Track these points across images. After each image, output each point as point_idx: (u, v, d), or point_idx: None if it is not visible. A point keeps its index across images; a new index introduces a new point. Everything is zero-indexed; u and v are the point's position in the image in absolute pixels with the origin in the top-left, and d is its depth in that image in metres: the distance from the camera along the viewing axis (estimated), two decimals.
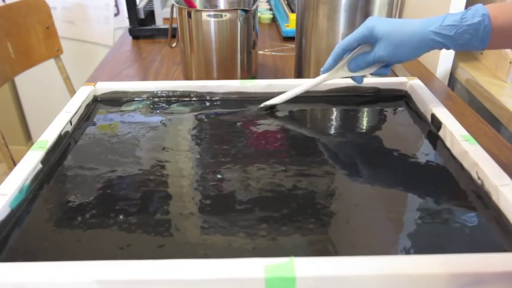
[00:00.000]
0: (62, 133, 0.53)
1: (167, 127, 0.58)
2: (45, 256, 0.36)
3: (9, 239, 0.38)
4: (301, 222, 0.40)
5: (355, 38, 0.53)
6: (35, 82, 1.62)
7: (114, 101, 0.65)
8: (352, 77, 0.58)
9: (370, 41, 0.52)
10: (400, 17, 1.06)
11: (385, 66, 0.55)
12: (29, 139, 1.78)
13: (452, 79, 0.89)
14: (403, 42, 0.49)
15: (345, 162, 0.50)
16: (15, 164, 0.94)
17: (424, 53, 0.49)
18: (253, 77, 0.81)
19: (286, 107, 0.62)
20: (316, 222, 0.40)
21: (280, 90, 0.65)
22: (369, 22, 0.52)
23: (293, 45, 0.99)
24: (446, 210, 0.41)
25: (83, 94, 0.62)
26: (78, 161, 0.50)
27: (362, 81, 0.59)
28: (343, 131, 0.57)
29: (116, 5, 1.50)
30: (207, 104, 0.64)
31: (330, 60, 0.57)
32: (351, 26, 0.68)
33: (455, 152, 0.49)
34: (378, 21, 0.51)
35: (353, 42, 0.54)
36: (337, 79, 0.59)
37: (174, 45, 0.88)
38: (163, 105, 0.63)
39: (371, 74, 0.56)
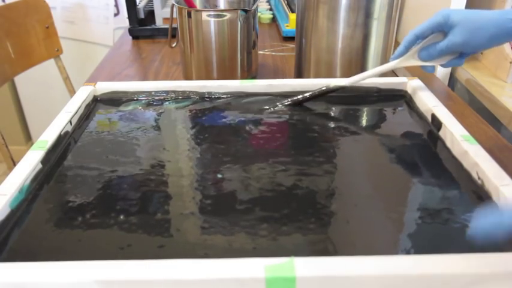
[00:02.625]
0: (62, 133, 0.53)
1: (167, 127, 0.58)
2: (45, 256, 0.36)
3: (9, 239, 0.38)
4: (301, 222, 0.40)
5: (429, 26, 0.52)
6: (35, 82, 1.61)
7: (114, 101, 0.65)
8: (422, 66, 0.57)
9: (444, 28, 0.51)
10: (400, 17, 1.06)
11: (459, 57, 0.54)
12: (29, 139, 1.78)
13: (452, 79, 0.89)
14: (479, 28, 0.48)
15: (345, 162, 0.50)
16: (15, 164, 0.94)
17: (499, 43, 0.48)
18: (253, 77, 0.81)
19: (285, 107, 0.62)
20: (316, 222, 0.40)
21: (280, 90, 0.65)
22: (444, 11, 0.51)
23: (293, 45, 0.99)
24: (446, 210, 0.41)
25: (83, 94, 0.62)
26: (78, 161, 0.50)
27: (433, 70, 0.58)
28: (343, 130, 0.57)
29: (116, 5, 1.50)
30: (207, 103, 0.64)
31: (401, 47, 0.56)
32: (351, 26, 0.68)
33: (455, 152, 0.49)
34: (452, 10, 0.50)
35: (427, 29, 0.53)
36: (339, 78, 0.59)
37: (174, 45, 0.88)
38: (163, 105, 0.63)
39: (442, 65, 0.55)
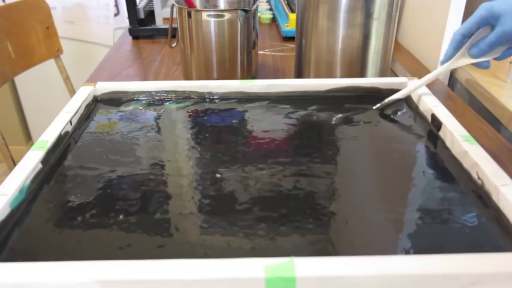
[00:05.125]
0: (62, 133, 0.53)
1: (167, 127, 0.58)
2: (45, 256, 0.36)
3: (9, 239, 0.38)
4: (300, 222, 0.40)
5: (474, 21, 0.51)
6: (35, 82, 1.62)
7: (114, 101, 0.65)
8: (476, 64, 0.55)
9: (490, 21, 0.50)
10: (400, 17, 1.06)
11: (511, 48, 0.52)
12: (29, 139, 1.78)
13: (452, 79, 0.89)
14: None
15: (344, 162, 0.50)
16: (15, 164, 0.94)
17: None
18: (253, 77, 0.81)
19: (285, 107, 0.62)
20: (315, 222, 0.40)
21: (280, 90, 0.65)
22: (485, 4, 0.49)
23: (293, 45, 0.99)
24: (446, 210, 0.41)
25: (83, 94, 0.62)
26: (78, 161, 0.50)
27: (489, 65, 0.55)
28: (342, 131, 0.57)
29: (116, 5, 1.50)
30: (207, 104, 0.64)
31: (449, 48, 0.55)
32: (351, 26, 0.68)
33: (455, 152, 0.49)
34: (494, 2, 0.49)
35: (472, 26, 0.51)
36: (338, 79, 0.58)
37: (174, 45, 0.88)
38: (163, 105, 0.63)
39: (495, 58, 0.53)
